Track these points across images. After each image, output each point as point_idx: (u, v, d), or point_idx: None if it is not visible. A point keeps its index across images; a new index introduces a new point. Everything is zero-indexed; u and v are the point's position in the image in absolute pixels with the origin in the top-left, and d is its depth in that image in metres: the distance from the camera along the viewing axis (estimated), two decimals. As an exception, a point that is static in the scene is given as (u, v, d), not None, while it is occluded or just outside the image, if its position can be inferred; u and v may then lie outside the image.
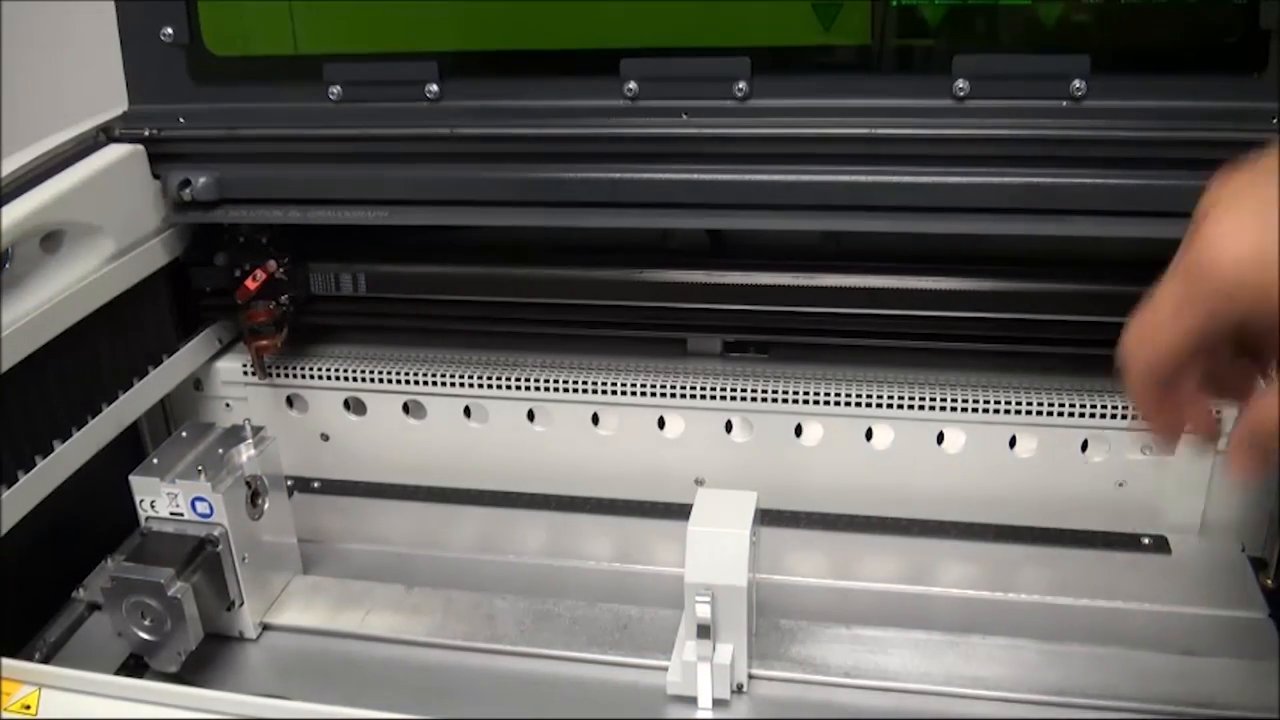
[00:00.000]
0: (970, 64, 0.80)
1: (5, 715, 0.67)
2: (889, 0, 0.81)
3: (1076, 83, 0.80)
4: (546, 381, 0.97)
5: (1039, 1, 0.80)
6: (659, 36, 0.85)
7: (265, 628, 0.87)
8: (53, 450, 0.87)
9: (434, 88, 0.90)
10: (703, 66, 0.84)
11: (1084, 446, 0.92)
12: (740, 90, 0.83)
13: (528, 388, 0.98)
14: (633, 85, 0.85)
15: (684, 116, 0.85)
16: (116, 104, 0.99)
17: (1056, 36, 0.81)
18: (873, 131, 0.81)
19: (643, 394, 0.96)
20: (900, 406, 0.92)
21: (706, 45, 0.84)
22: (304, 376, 1.02)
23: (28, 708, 0.67)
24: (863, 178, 0.82)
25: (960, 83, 0.80)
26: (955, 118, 0.81)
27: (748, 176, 0.84)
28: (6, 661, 0.69)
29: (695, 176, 0.84)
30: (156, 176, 0.97)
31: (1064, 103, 0.80)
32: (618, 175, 0.86)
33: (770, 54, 0.83)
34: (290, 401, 1.04)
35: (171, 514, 0.83)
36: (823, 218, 0.85)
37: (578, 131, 0.87)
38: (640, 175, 0.86)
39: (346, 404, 1.03)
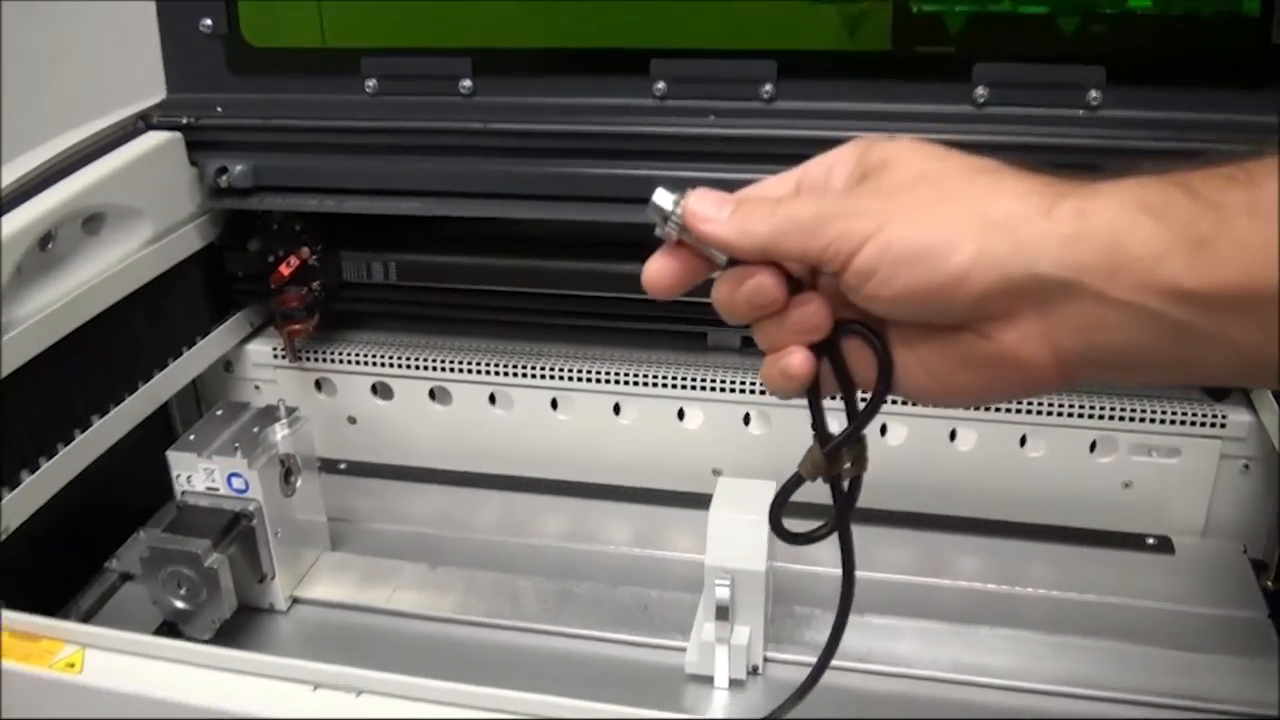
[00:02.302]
0: (990, 72, 0.83)
1: (49, 673, 0.70)
2: (911, 7, 0.84)
3: (1093, 93, 0.82)
4: (570, 371, 1.00)
5: (1057, 12, 0.82)
6: (688, 38, 0.88)
7: (295, 601, 0.90)
8: (90, 425, 0.90)
9: (468, 83, 0.92)
10: (730, 69, 0.87)
11: (1092, 447, 0.94)
12: (766, 92, 0.86)
13: (551, 377, 1.00)
14: (661, 85, 0.88)
15: (711, 117, 0.87)
16: (155, 92, 1.02)
17: (1074, 47, 0.83)
18: (893, 136, 0.83)
19: (663, 386, 0.98)
20: (914, 404, 0.94)
21: (734, 48, 0.87)
22: (333, 361, 1.05)
23: (72, 665, 0.70)
24: None
25: (980, 90, 0.83)
26: (974, 124, 0.83)
27: (765, 174, 0.87)
28: (52, 621, 0.72)
29: (721, 175, 0.86)
30: (194, 163, 0.99)
31: (1080, 111, 0.83)
32: (645, 172, 0.88)
33: (796, 58, 0.86)
34: (319, 385, 1.07)
35: (207, 489, 0.86)
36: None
37: (607, 129, 0.89)
38: (667, 173, 0.88)
39: (374, 388, 1.06)
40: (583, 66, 0.90)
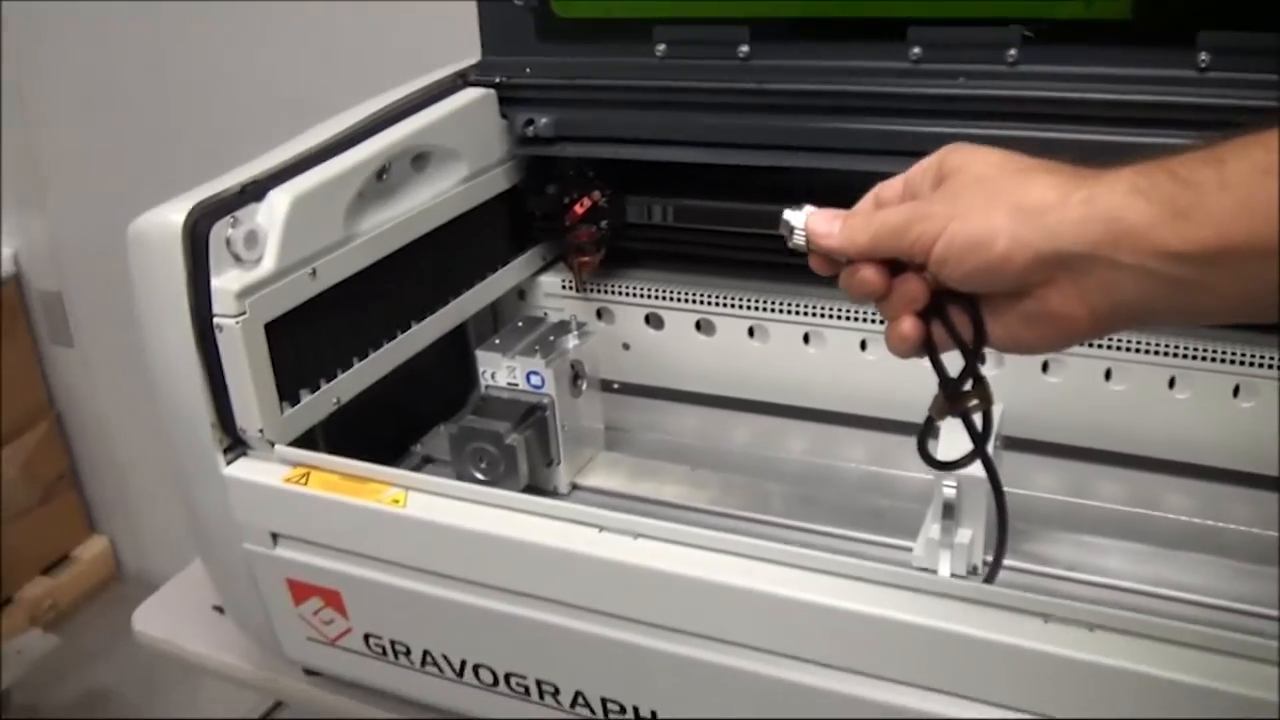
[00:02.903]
0: (1212, 40, 0.89)
1: (379, 506, 0.85)
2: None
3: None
4: (821, 309, 1.11)
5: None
6: (942, 9, 0.96)
7: (575, 487, 1.05)
8: (408, 328, 1.05)
9: (745, 48, 1.04)
10: (979, 35, 0.95)
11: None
12: (1011, 57, 0.95)
13: (805, 314, 1.11)
14: (917, 50, 0.97)
15: (961, 79, 0.97)
16: (472, 55, 1.17)
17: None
18: (1123, 98, 0.91)
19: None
20: (1135, 351, 1.01)
21: (983, 16, 0.95)
22: (613, 293, 1.19)
23: (396, 501, 0.85)
24: (1113, 138, 0.92)
25: (1203, 56, 0.89)
26: (1196, 87, 0.89)
27: (1013, 133, 0.95)
28: (380, 467, 0.87)
29: (969, 131, 0.96)
30: (504, 116, 1.14)
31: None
32: (901, 128, 0.98)
33: (1039, 25, 0.94)
34: (599, 314, 1.21)
35: (508, 384, 1.01)
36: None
37: (867, 89, 0.99)
38: (918, 129, 0.98)
39: (647, 319, 1.19)
40: (847, 34, 1.00)
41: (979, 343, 0.64)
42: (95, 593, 2.60)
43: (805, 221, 0.66)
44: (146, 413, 0.96)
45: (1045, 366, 1.04)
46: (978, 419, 0.72)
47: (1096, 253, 0.56)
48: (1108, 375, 1.03)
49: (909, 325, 0.65)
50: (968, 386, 0.68)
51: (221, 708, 2.15)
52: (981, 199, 0.60)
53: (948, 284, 0.62)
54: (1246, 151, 0.54)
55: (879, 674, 0.72)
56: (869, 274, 0.65)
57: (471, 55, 1.17)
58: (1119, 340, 1.01)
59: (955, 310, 0.64)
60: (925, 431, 0.73)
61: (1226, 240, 0.53)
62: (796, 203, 0.68)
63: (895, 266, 0.64)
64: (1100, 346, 1.02)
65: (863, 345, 1.11)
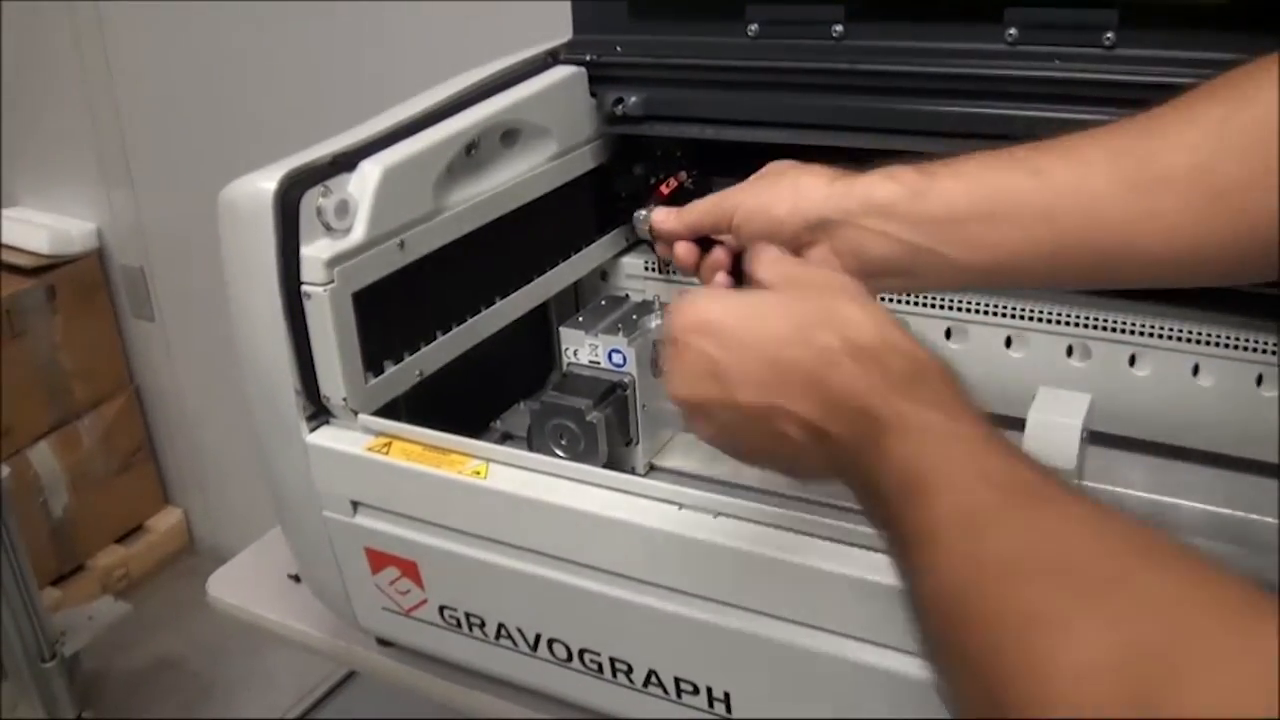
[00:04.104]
0: None
1: (461, 477, 0.85)
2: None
3: None
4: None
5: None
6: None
7: (652, 468, 1.04)
8: (492, 304, 1.06)
9: (839, 28, 1.03)
10: (1075, 17, 0.93)
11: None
12: (1108, 40, 0.93)
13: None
14: (1013, 31, 0.96)
15: (1056, 61, 0.95)
16: (563, 33, 1.17)
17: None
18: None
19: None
20: (1227, 346, 0.99)
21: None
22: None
23: (478, 473, 0.86)
24: None
25: None
26: None
27: (1107, 118, 0.93)
28: (463, 439, 0.88)
29: (1062, 115, 0.94)
30: (593, 94, 1.13)
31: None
32: (992, 111, 0.97)
33: (1136, 9, 0.92)
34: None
35: (590, 362, 1.01)
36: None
37: (961, 70, 0.98)
38: (1011, 112, 0.96)
39: (729, 302, 1.18)
40: (943, 14, 0.99)
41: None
42: (167, 563, 2.64)
43: (651, 214, 0.85)
44: (224, 389, 0.98)
45: (1132, 360, 1.03)
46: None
47: (848, 219, 0.73)
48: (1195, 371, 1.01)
49: (721, 277, 0.81)
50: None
51: (288, 681, 2.17)
52: (768, 185, 0.78)
53: (744, 244, 0.78)
54: (985, 157, 0.71)
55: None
56: (685, 248, 0.82)
57: (563, 34, 1.16)
58: (1206, 334, 0.99)
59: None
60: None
61: (952, 211, 0.70)
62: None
63: (705, 245, 0.82)
64: (1185, 340, 1.00)
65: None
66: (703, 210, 0.81)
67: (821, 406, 0.58)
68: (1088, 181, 0.66)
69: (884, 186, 0.72)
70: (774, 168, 0.80)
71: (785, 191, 0.76)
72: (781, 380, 0.59)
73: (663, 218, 0.83)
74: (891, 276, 0.73)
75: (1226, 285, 0.76)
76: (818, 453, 0.59)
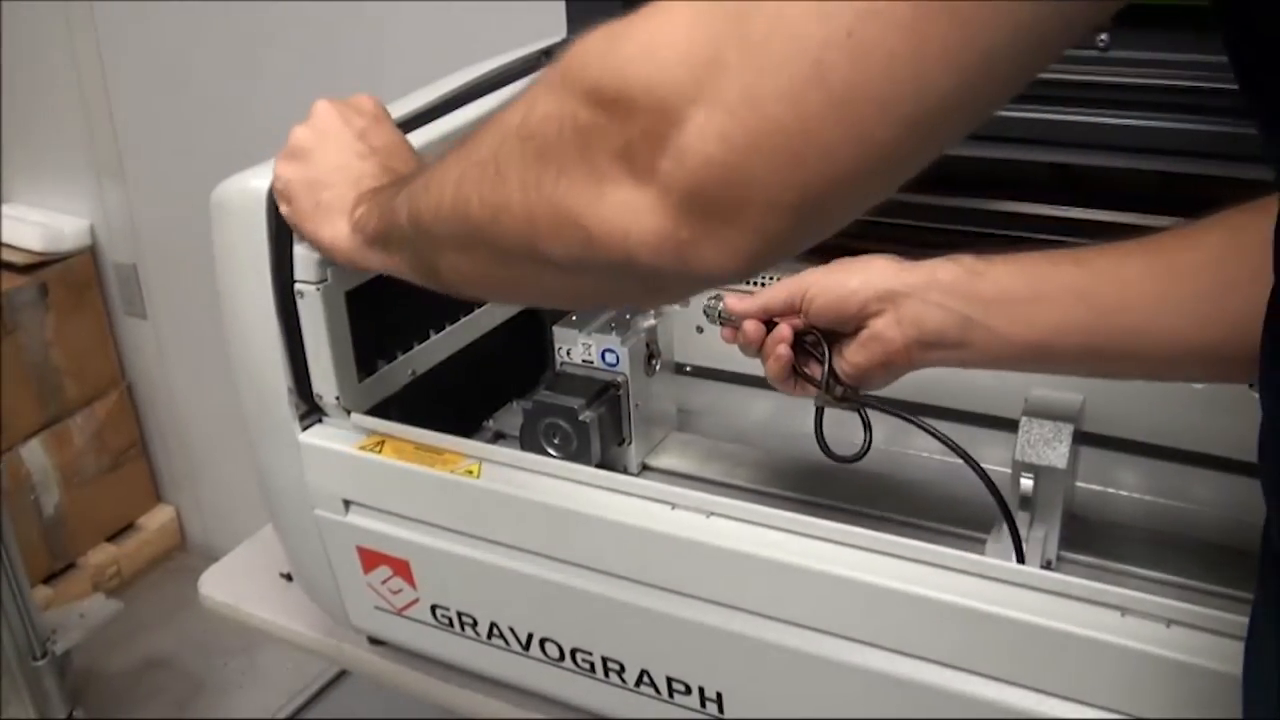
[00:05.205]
0: None
1: (454, 476, 0.85)
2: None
3: None
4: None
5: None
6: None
7: (645, 468, 1.04)
8: (485, 303, 1.05)
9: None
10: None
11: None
12: (1102, 41, 0.92)
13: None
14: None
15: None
16: (557, 33, 1.17)
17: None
18: (1213, 86, 0.89)
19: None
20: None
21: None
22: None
23: (471, 472, 0.86)
24: (1202, 126, 0.89)
25: None
26: None
27: (1101, 119, 0.93)
28: (457, 439, 0.88)
29: (1057, 116, 0.94)
30: (590, 94, 1.14)
31: None
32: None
33: (1130, 11, 0.92)
34: (674, 297, 1.20)
35: (583, 361, 1.01)
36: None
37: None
38: (1008, 113, 0.92)
39: (722, 302, 1.18)
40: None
41: (828, 356, 0.87)
42: (159, 562, 2.63)
43: (724, 300, 0.91)
44: (216, 387, 0.98)
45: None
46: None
47: (913, 293, 0.82)
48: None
49: (782, 349, 0.87)
50: (839, 392, 0.88)
51: (279, 680, 2.17)
52: (842, 266, 0.86)
53: (812, 320, 0.86)
54: (1039, 251, 0.81)
55: (947, 661, 0.72)
56: (754, 326, 0.89)
57: (557, 33, 1.16)
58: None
59: (810, 342, 0.88)
60: (818, 421, 0.92)
61: (1005, 293, 0.80)
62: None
63: (769, 326, 0.88)
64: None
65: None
66: (777, 291, 0.88)
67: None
68: (1122, 269, 0.77)
69: (946, 268, 0.82)
70: (848, 258, 0.88)
71: (858, 269, 0.85)
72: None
73: (737, 301, 0.90)
74: (946, 349, 0.83)
75: (1239, 380, 0.83)
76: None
